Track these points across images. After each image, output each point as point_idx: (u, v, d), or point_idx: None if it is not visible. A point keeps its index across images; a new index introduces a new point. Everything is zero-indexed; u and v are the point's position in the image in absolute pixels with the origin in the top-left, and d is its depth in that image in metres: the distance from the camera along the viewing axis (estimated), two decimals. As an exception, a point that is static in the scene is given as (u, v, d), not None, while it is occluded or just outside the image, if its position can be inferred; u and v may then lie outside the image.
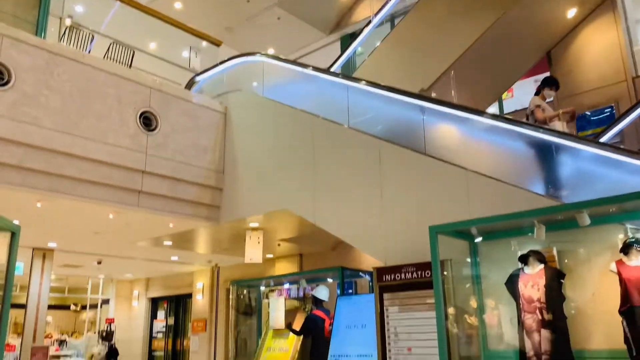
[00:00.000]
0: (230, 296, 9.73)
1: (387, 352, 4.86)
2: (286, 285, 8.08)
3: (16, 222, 3.86)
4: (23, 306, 9.40)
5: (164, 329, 13.83)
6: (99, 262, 11.01)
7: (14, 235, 3.74)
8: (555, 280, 3.89)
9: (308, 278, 7.77)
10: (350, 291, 7.20)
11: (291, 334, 7.65)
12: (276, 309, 7.94)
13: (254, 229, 8.01)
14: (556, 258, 4.07)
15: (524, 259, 4.03)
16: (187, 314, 13.45)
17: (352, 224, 5.79)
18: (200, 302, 12.54)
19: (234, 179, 7.57)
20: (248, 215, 7.28)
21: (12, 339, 10.97)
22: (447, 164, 5.16)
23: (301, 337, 7.52)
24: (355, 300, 6.57)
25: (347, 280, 7.11)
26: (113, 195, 6.55)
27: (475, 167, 4.99)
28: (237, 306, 10.79)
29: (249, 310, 10.66)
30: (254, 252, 7.93)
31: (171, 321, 13.74)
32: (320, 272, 7.67)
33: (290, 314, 7.84)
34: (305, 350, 7.31)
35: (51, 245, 9.24)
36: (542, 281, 3.89)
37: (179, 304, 13.75)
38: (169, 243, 9.13)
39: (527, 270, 4.01)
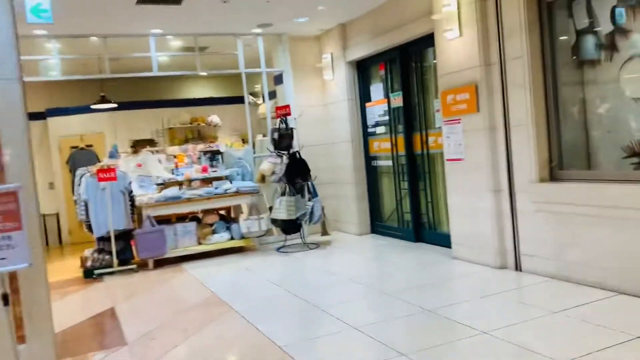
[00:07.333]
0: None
1: None
2: None
3: None
4: None
5: (385, 118, 7.15)
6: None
7: None
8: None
9: None
10: None
11: None
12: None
13: None
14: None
15: None
16: (425, 82, 6.42)
17: None
18: (454, 49, 5.26)
19: None
20: None
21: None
22: None
23: None
24: None
25: None
26: None
27: None
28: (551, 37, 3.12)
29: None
30: None
31: (397, 101, 6.88)
32: None
33: None
34: None
35: None
36: None
37: (407, 64, 6.69)
38: None
39: None
